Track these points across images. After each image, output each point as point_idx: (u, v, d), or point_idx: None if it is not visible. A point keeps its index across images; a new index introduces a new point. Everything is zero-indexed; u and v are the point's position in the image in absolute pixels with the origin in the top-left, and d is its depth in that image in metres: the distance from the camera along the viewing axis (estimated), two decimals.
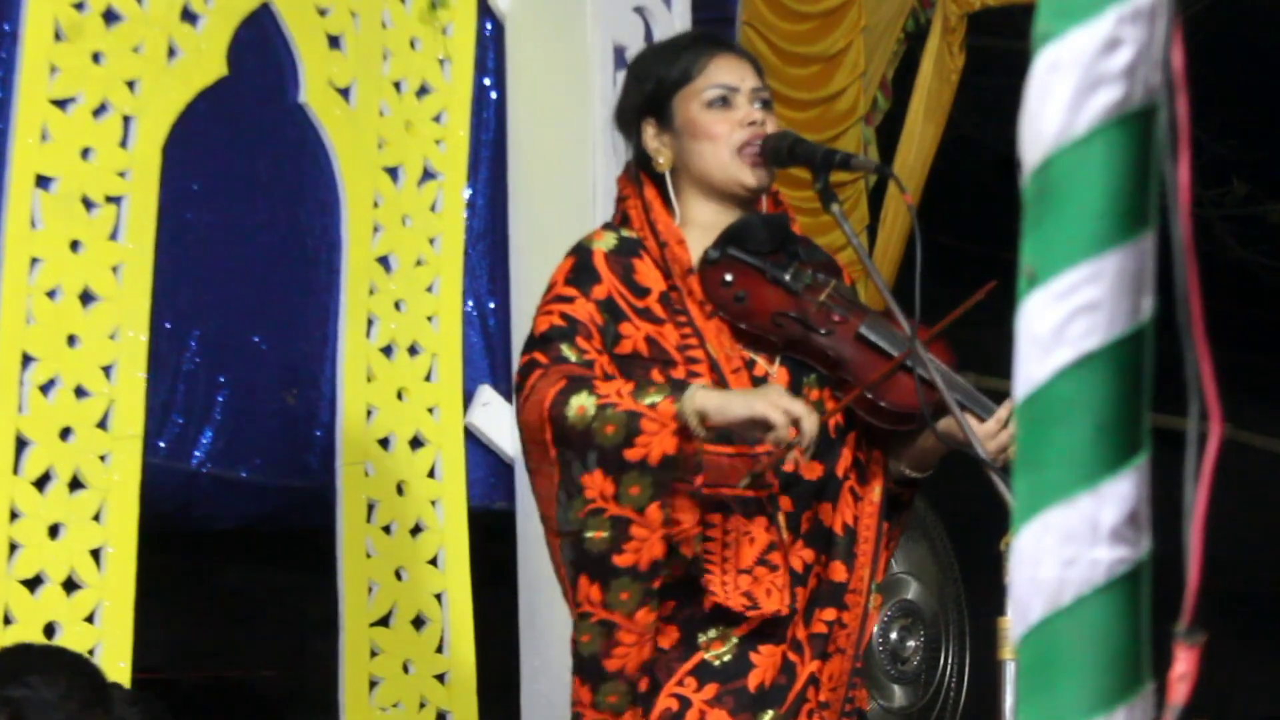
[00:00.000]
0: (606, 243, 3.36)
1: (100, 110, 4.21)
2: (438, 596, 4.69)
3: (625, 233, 3.38)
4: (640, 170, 3.44)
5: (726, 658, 3.23)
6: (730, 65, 3.41)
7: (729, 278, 3.34)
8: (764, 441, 3.16)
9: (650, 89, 3.41)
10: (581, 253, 3.35)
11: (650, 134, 3.41)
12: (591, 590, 3.16)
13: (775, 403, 3.09)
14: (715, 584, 3.21)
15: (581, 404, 3.11)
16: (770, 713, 3.25)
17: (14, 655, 3.23)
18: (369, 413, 4.65)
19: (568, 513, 3.17)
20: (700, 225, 3.39)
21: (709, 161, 3.36)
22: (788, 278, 3.36)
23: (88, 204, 4.18)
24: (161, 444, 4.32)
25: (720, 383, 3.28)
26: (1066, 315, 1.22)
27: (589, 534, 3.14)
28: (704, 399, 3.10)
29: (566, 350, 3.23)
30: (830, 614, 3.33)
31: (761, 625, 3.25)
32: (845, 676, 3.34)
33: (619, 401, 3.10)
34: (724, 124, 3.36)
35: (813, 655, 3.29)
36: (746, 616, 3.23)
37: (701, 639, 3.24)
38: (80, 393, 4.12)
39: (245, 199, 4.54)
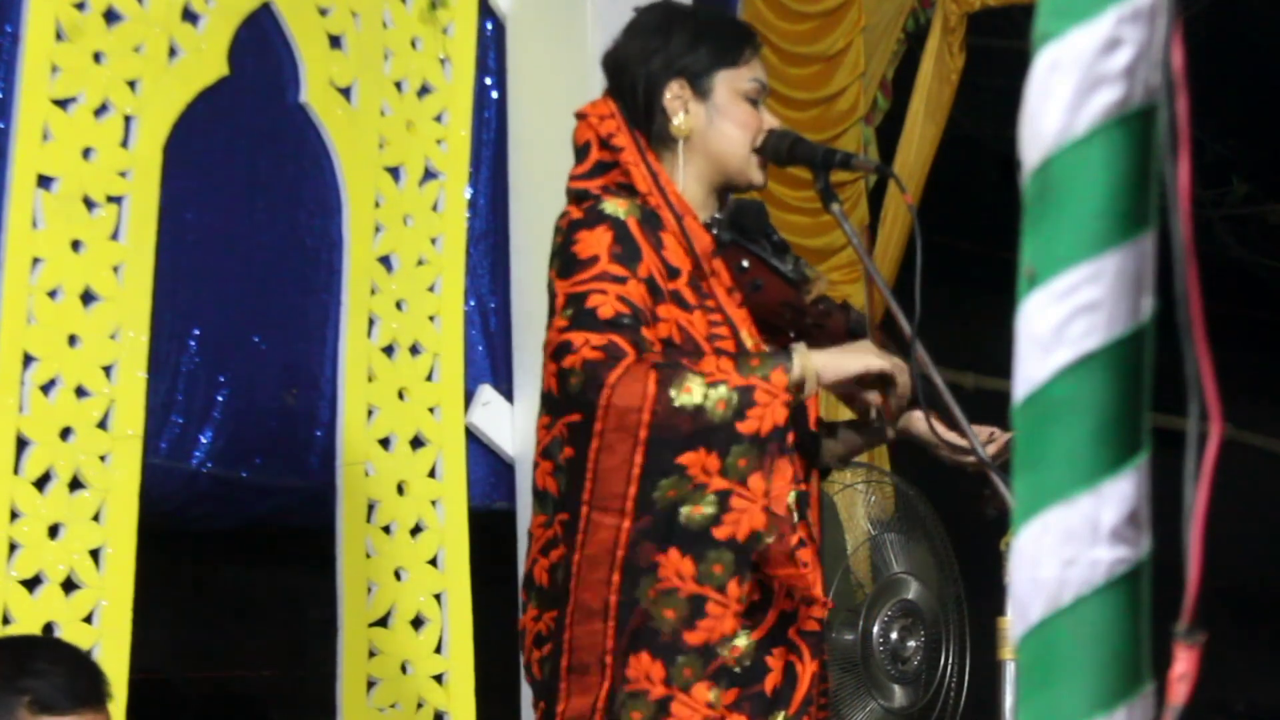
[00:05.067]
0: (633, 212, 3.23)
1: (101, 110, 4.21)
2: (437, 597, 4.69)
3: (638, 200, 3.25)
4: (634, 126, 3.32)
5: (746, 662, 3.21)
6: (762, 65, 3.39)
7: (745, 264, 3.29)
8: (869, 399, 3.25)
9: (701, 52, 3.31)
10: (618, 225, 3.21)
11: (675, 93, 3.30)
12: (683, 565, 3.11)
13: (882, 356, 3.19)
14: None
15: (688, 385, 3.06)
16: (781, 714, 3.24)
17: (16, 647, 3.28)
18: (370, 413, 4.65)
19: (652, 492, 3.10)
20: (691, 204, 3.31)
21: (731, 149, 3.30)
22: (788, 269, 3.35)
23: (89, 204, 4.18)
24: (162, 444, 4.32)
25: None
26: (1066, 315, 1.22)
27: (687, 509, 3.09)
28: (817, 359, 3.14)
29: (640, 340, 3.14)
30: (818, 610, 3.33)
31: (772, 627, 3.23)
32: (821, 670, 3.34)
33: (727, 378, 3.08)
34: (755, 120, 3.33)
35: (811, 655, 3.28)
36: (763, 619, 3.20)
37: (721, 644, 3.21)
38: (80, 393, 4.12)
39: (245, 199, 4.54)
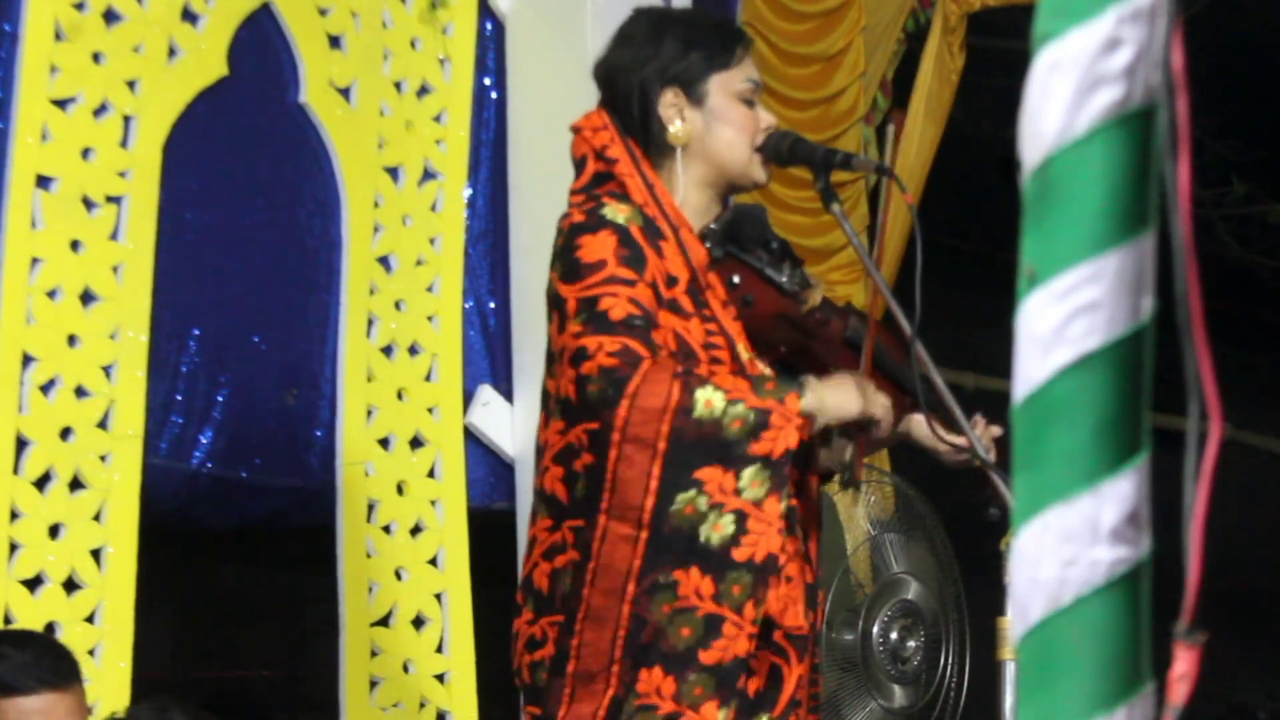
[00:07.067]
0: (635, 219, 3.21)
1: (100, 110, 4.21)
2: (438, 596, 4.70)
3: (635, 210, 3.23)
4: (628, 136, 3.30)
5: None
6: (754, 64, 3.37)
7: (736, 279, 3.27)
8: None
9: (693, 58, 3.29)
10: (621, 230, 3.19)
11: (669, 101, 3.28)
12: (703, 584, 3.11)
13: (875, 399, 3.20)
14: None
15: (709, 398, 3.07)
16: (764, 716, 3.23)
17: None
18: (369, 413, 4.65)
19: (670, 507, 3.09)
20: (693, 210, 3.29)
21: (732, 153, 3.29)
22: (784, 280, 3.32)
23: (88, 204, 4.18)
24: (162, 444, 4.32)
25: None
26: (1066, 315, 1.22)
27: (706, 527, 3.09)
28: (826, 394, 3.17)
29: (651, 342, 3.13)
30: (810, 614, 3.32)
31: (759, 630, 3.22)
32: (810, 674, 3.33)
33: (745, 397, 3.09)
34: (752, 121, 3.30)
35: (798, 658, 3.28)
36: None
37: (735, 664, 3.20)
38: (80, 393, 4.12)
39: (245, 199, 4.54)
